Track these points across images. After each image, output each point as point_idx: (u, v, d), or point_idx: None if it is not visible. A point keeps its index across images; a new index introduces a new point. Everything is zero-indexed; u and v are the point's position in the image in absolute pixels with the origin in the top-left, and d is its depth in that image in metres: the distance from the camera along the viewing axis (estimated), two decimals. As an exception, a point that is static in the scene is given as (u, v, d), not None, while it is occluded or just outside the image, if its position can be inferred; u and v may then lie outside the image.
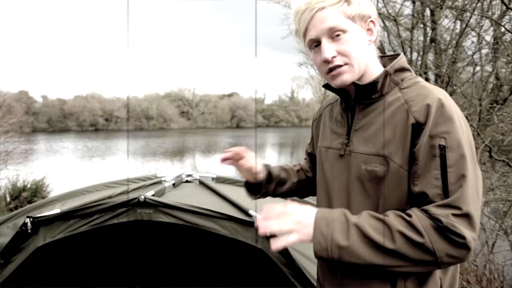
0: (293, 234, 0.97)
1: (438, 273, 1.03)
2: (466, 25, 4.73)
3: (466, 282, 3.62)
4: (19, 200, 7.24)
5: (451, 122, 0.97)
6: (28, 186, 7.70)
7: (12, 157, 8.51)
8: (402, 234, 0.94)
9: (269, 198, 1.48)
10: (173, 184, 2.33)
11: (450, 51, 5.07)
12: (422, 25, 5.51)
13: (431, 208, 0.94)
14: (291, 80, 63.31)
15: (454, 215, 0.92)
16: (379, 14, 5.36)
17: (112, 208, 1.75)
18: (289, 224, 0.98)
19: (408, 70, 1.12)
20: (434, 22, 5.17)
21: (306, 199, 1.67)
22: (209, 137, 35.80)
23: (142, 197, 1.72)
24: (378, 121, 1.07)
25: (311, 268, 1.60)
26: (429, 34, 5.42)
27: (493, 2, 4.43)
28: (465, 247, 0.91)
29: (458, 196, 0.93)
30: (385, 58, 1.19)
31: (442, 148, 0.96)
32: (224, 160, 1.34)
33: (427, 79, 5.35)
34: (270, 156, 23.08)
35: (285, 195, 1.47)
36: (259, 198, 1.44)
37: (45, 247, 1.78)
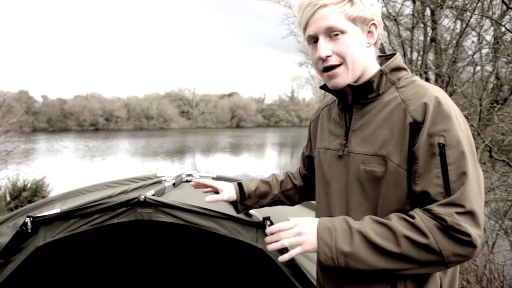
0: (297, 247, 1.02)
1: (438, 272, 1.03)
2: (467, 24, 4.73)
3: (466, 282, 3.62)
4: (19, 199, 7.24)
5: (449, 120, 0.97)
6: (28, 185, 7.70)
7: (12, 157, 8.51)
8: (407, 237, 0.93)
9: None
10: (173, 184, 2.33)
11: (450, 51, 5.06)
12: (422, 25, 5.51)
13: (434, 208, 0.93)
14: (291, 79, 63.30)
15: (458, 213, 0.91)
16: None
17: (112, 208, 1.75)
18: (291, 238, 1.03)
19: (404, 69, 1.12)
20: (434, 21, 5.17)
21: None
22: (209, 137, 35.78)
23: (142, 196, 1.72)
24: (375, 121, 1.08)
25: (311, 268, 1.59)
26: (430, 34, 5.42)
27: (494, 2, 4.42)
28: (471, 244, 0.91)
29: (460, 194, 0.92)
30: (382, 58, 1.19)
31: (442, 146, 0.95)
32: (196, 186, 1.51)
33: (427, 79, 5.35)
34: (270, 155, 23.09)
35: (271, 205, 1.51)
36: (241, 213, 1.54)
37: (45, 247, 1.78)
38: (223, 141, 31.86)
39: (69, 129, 45.32)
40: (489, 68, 4.77)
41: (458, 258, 0.93)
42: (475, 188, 0.95)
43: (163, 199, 1.77)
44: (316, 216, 1.25)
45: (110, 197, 2.02)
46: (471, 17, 4.52)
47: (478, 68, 4.81)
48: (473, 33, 5.02)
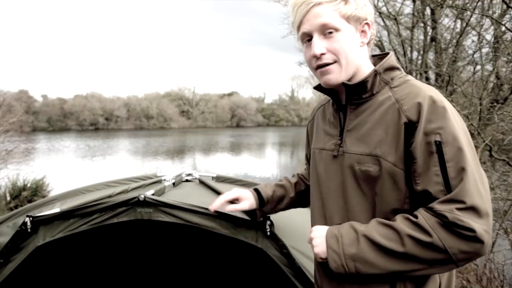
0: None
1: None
2: (467, 24, 4.73)
3: (466, 281, 3.62)
4: (19, 199, 7.24)
5: (444, 118, 0.97)
6: (28, 185, 7.70)
7: (12, 156, 8.51)
8: (410, 236, 0.93)
9: None
10: (173, 183, 2.33)
11: (450, 50, 5.07)
12: (422, 24, 5.51)
13: (435, 205, 0.93)
14: (291, 79, 63.48)
15: (458, 209, 0.91)
16: (380, 13, 5.35)
17: (112, 208, 1.74)
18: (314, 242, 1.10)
19: (397, 68, 1.13)
20: (434, 21, 5.17)
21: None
22: (209, 136, 35.80)
23: (142, 196, 1.72)
24: (370, 121, 1.08)
25: (311, 267, 1.59)
26: (430, 33, 5.42)
27: (494, 1, 4.43)
28: (477, 240, 0.90)
29: (460, 190, 0.92)
30: (375, 57, 1.19)
31: (438, 144, 0.95)
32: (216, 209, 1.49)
33: (427, 78, 5.35)
34: (270, 155, 23.09)
35: (287, 209, 1.51)
36: (259, 220, 1.55)
37: (45, 247, 1.77)
38: (223, 140, 31.87)
39: (69, 128, 45.34)
40: (489, 67, 4.77)
41: (465, 255, 0.91)
42: (476, 182, 0.94)
43: (163, 198, 1.76)
44: (311, 217, 1.25)
45: (110, 196, 2.01)
46: (471, 16, 4.53)
47: (478, 67, 4.82)
48: (473, 32, 5.03)
